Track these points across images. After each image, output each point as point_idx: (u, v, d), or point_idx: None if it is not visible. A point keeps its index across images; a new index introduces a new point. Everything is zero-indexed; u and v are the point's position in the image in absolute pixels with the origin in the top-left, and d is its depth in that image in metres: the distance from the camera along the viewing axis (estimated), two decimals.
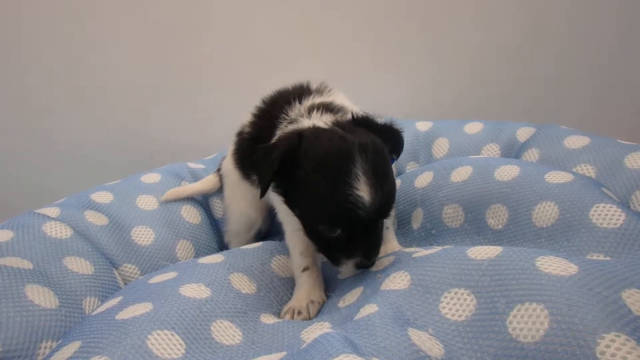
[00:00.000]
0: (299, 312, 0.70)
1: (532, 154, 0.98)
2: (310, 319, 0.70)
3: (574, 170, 0.86)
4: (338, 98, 0.88)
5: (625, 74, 1.61)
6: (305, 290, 0.74)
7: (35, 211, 0.90)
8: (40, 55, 1.42)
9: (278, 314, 0.71)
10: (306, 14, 1.48)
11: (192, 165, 1.25)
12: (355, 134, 0.68)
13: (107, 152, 1.55)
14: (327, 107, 0.82)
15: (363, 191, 0.63)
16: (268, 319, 0.67)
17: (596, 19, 1.54)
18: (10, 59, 1.41)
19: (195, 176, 1.21)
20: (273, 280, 0.76)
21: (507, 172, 0.81)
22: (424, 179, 0.94)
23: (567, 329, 0.42)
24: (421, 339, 0.47)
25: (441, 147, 1.16)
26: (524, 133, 1.06)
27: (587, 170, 0.85)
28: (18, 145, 1.51)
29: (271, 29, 1.48)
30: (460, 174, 0.87)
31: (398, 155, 0.78)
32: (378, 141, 0.69)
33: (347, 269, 0.71)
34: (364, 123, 0.74)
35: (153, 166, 1.20)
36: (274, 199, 0.82)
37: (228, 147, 1.19)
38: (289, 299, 0.75)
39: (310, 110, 0.80)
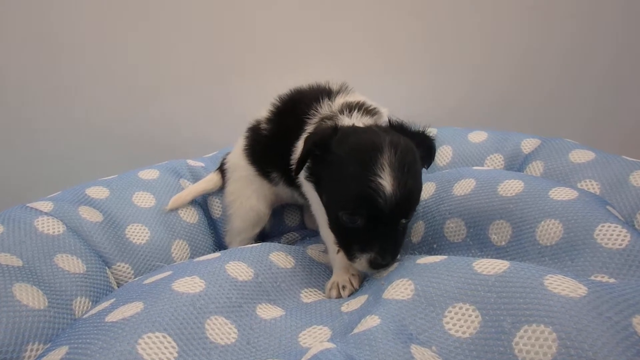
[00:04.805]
0: (343, 287, 0.74)
1: (536, 167, 0.97)
2: (356, 290, 0.73)
3: (579, 185, 0.85)
4: (361, 99, 0.90)
5: (632, 84, 1.60)
6: (343, 266, 0.77)
7: (27, 205, 0.86)
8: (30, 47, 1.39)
9: (275, 303, 0.69)
10: (308, 14, 1.47)
11: (191, 162, 1.23)
12: (389, 133, 0.71)
13: (104, 148, 1.52)
14: (365, 109, 0.85)
15: (385, 181, 0.64)
16: (265, 313, 0.65)
17: (602, 25, 1.53)
18: (10, 56, 1.39)
19: (195, 174, 1.19)
20: (271, 268, 0.74)
21: (511, 187, 0.79)
22: (426, 191, 0.92)
23: (576, 355, 0.41)
24: (424, 356, 0.45)
25: (444, 155, 1.14)
26: (528, 144, 1.05)
27: (592, 186, 0.84)
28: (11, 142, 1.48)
29: (275, 26, 1.47)
30: (463, 187, 0.85)
31: (429, 164, 0.80)
32: (410, 143, 0.72)
33: (360, 264, 0.70)
34: (399, 128, 0.78)
35: (152, 163, 1.17)
36: (309, 190, 0.85)
37: (230, 145, 1.18)
38: (287, 288, 0.74)
39: (345, 108, 0.84)
